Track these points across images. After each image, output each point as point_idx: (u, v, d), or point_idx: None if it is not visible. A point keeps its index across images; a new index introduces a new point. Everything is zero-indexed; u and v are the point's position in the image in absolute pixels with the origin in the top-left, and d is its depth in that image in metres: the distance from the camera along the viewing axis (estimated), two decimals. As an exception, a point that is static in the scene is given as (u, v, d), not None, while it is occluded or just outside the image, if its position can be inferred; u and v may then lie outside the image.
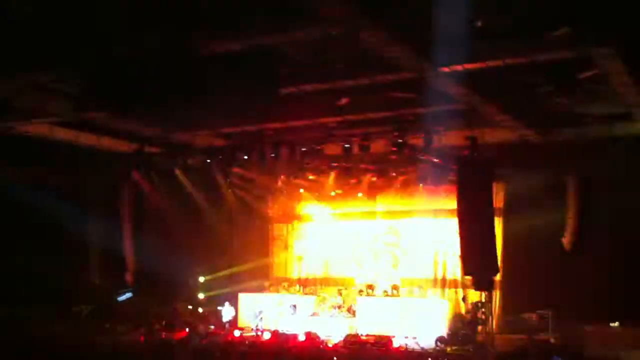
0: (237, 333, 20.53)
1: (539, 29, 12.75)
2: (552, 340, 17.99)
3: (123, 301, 22.67)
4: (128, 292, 21.38)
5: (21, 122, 18.33)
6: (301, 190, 23.65)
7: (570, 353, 15.86)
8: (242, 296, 22.97)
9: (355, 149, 19.71)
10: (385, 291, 21.86)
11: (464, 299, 21.22)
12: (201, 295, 23.17)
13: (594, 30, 12.26)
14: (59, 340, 16.14)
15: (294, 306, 21.57)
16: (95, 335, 18.57)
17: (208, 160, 21.72)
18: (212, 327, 21.28)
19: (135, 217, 22.80)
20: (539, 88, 16.16)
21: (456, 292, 21.74)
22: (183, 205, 23.00)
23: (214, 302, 23.11)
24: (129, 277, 22.73)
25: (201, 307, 23.13)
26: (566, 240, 19.25)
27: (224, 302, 22.26)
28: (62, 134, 19.64)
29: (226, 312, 21.94)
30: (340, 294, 22.07)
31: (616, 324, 18.04)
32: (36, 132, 19.10)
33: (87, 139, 20.26)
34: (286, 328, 20.46)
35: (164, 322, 21.72)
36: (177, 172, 22.12)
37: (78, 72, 15.10)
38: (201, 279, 23.38)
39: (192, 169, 22.23)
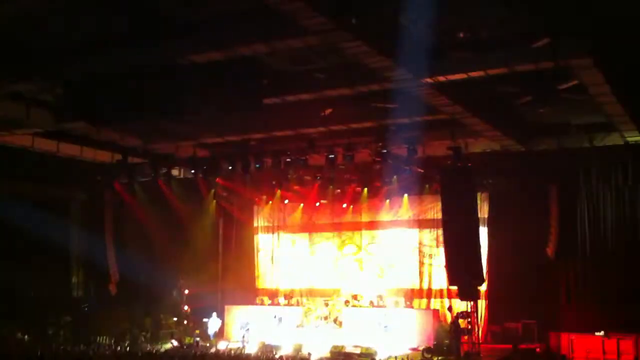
0: (223, 345, 20.37)
1: (520, 40, 12.84)
2: (537, 350, 17.99)
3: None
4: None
5: (2, 132, 18.19)
6: (286, 201, 23.56)
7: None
8: (228, 308, 22.83)
9: (339, 159, 19.69)
10: (371, 301, 21.79)
11: (449, 308, 21.16)
12: (185, 307, 22.97)
13: (573, 41, 12.35)
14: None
15: (280, 318, 21.43)
16: (77, 345, 18.34)
17: (192, 171, 21.61)
18: (198, 339, 21.11)
19: (118, 229, 22.65)
20: (520, 98, 16.25)
21: (442, 302, 21.69)
22: (166, 216, 22.88)
23: (198, 314, 22.93)
24: (112, 288, 22.53)
25: (186, 319, 22.94)
26: (550, 249, 19.32)
27: (210, 313, 22.13)
28: (44, 144, 19.50)
29: (212, 323, 21.81)
30: (327, 305, 21.95)
31: (601, 333, 18.04)
32: (17, 143, 18.95)
33: (68, 149, 20.11)
34: (272, 340, 20.30)
35: (148, 334, 21.59)
36: (160, 183, 21.97)
37: (58, 83, 15.01)
38: (186, 291, 23.19)
39: (176, 180, 22.11)
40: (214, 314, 22.00)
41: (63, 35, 13.19)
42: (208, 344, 20.41)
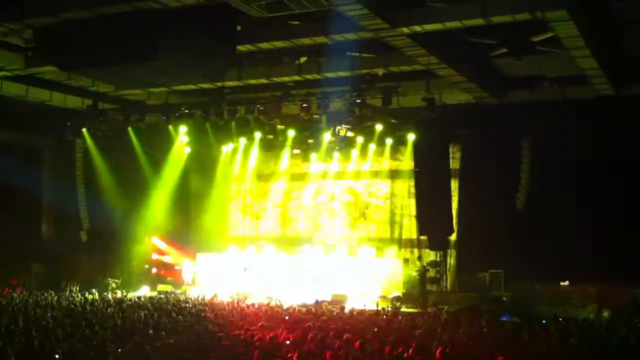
0: (195, 292, 20.47)
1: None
2: (503, 298, 18.38)
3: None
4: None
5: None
6: (254, 151, 23.41)
7: (520, 311, 16.21)
8: (200, 256, 22.94)
9: (314, 108, 19.62)
10: (342, 250, 22.00)
11: (419, 258, 21.50)
12: (155, 256, 23.01)
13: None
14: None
15: (250, 267, 21.54)
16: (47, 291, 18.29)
17: (164, 118, 21.36)
18: (171, 287, 21.28)
19: (89, 176, 22.42)
20: (495, 50, 16.25)
21: (412, 252, 22.01)
22: (137, 163, 22.68)
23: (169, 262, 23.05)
24: (83, 236, 22.43)
25: (157, 267, 23.00)
26: (519, 201, 19.60)
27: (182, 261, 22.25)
28: (13, 89, 19.08)
29: (186, 270, 21.91)
30: (298, 254, 22.12)
31: (566, 282, 18.50)
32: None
33: (38, 94, 19.70)
34: (244, 288, 20.45)
35: (119, 281, 21.64)
36: (130, 130, 21.71)
37: (27, 27, 14.61)
38: (155, 240, 23.18)
39: (147, 127, 21.85)
40: (187, 261, 22.09)
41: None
42: (179, 292, 20.52)
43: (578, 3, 12.74)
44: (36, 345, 9.45)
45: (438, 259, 20.81)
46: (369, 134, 21.20)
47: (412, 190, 21.00)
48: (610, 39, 15.20)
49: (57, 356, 8.94)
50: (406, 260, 21.32)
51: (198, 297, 18.43)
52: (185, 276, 21.93)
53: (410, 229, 21.99)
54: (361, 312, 15.80)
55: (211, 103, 20.53)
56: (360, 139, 21.56)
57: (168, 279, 22.45)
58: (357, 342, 9.76)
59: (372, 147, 21.94)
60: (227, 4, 13.13)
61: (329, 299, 18.72)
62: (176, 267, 23.00)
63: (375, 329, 12.11)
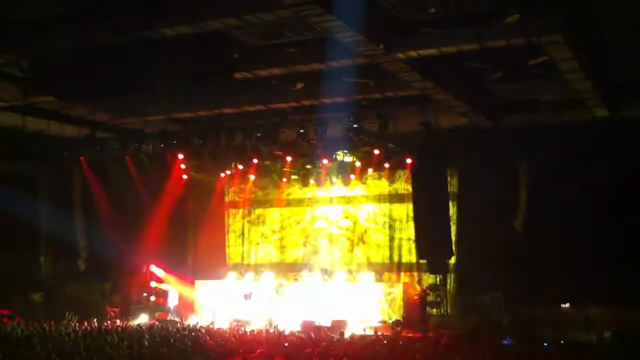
0: (193, 320, 20.37)
1: (491, 17, 12.90)
2: (504, 322, 18.31)
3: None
4: None
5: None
6: (252, 177, 23.41)
7: (521, 334, 16.15)
8: (199, 283, 22.86)
9: (311, 134, 19.70)
10: (341, 275, 21.92)
11: (419, 282, 21.46)
12: (153, 284, 22.92)
13: (543, 17, 12.44)
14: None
15: (250, 293, 21.46)
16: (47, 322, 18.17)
17: (162, 146, 21.41)
18: (171, 315, 21.16)
19: (87, 204, 22.40)
20: (490, 74, 16.37)
21: (411, 276, 21.95)
22: (135, 192, 22.68)
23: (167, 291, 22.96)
24: (81, 264, 22.35)
25: (155, 295, 22.90)
26: (518, 224, 19.61)
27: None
28: (9, 119, 19.13)
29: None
30: (297, 280, 22.08)
31: (567, 305, 18.43)
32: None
33: (35, 124, 19.74)
34: (242, 315, 20.37)
35: (118, 310, 21.52)
36: (129, 158, 21.74)
37: (24, 57, 14.71)
38: (153, 267, 23.10)
39: (145, 155, 21.89)
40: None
41: (29, 9, 12.90)
42: (177, 319, 20.40)
43: (571, 27, 12.86)
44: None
45: (438, 283, 20.77)
46: (366, 159, 21.23)
47: (411, 214, 21.00)
48: (603, 61, 15.32)
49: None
50: (406, 285, 21.26)
51: (197, 324, 18.34)
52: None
53: (409, 253, 21.95)
54: (361, 338, 15.73)
55: (208, 130, 20.59)
56: (358, 164, 21.59)
57: (167, 307, 22.31)
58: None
59: (370, 171, 21.96)
60: (223, 33, 13.26)
61: (328, 324, 18.63)
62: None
63: (376, 354, 12.05)
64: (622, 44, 14.54)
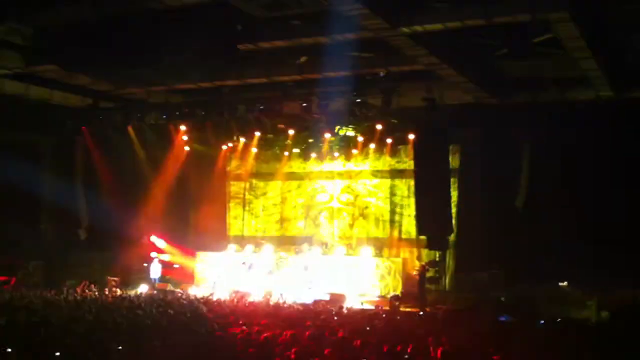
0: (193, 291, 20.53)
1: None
2: (502, 299, 18.38)
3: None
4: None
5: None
6: (254, 150, 23.39)
7: (519, 311, 16.22)
8: (200, 254, 22.95)
9: (314, 108, 19.61)
10: (341, 250, 22.01)
11: (418, 258, 21.53)
12: (154, 254, 23.01)
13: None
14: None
15: (250, 265, 21.59)
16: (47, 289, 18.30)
17: (164, 117, 21.35)
18: (169, 284, 21.27)
19: (88, 174, 22.40)
20: (496, 51, 16.26)
21: (411, 252, 22.01)
22: (137, 162, 22.66)
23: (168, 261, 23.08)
24: (82, 233, 22.42)
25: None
26: (519, 202, 19.62)
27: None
28: (12, 87, 19.06)
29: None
30: (297, 253, 22.15)
31: (564, 283, 18.50)
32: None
33: (38, 92, 19.67)
34: (243, 286, 20.49)
35: (118, 279, 21.62)
36: (130, 128, 21.69)
37: (28, 26, 14.61)
38: (154, 238, 23.17)
39: (147, 126, 21.84)
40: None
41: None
42: (178, 290, 20.51)
43: (579, 5, 12.73)
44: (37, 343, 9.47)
45: (437, 259, 20.84)
46: (369, 134, 21.17)
47: (412, 190, 21.00)
48: (611, 42, 15.21)
49: (57, 354, 8.93)
50: (405, 260, 21.34)
51: (197, 295, 18.45)
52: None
53: (409, 228, 21.99)
54: (360, 312, 15.82)
55: (211, 102, 20.51)
56: (360, 139, 21.53)
57: (167, 277, 22.42)
58: (356, 341, 9.77)
59: (372, 146, 21.92)
60: (227, 4, 13.15)
61: (327, 298, 18.74)
62: (175, 266, 23.01)
63: (374, 328, 12.12)
64: (632, 28, 14.42)
